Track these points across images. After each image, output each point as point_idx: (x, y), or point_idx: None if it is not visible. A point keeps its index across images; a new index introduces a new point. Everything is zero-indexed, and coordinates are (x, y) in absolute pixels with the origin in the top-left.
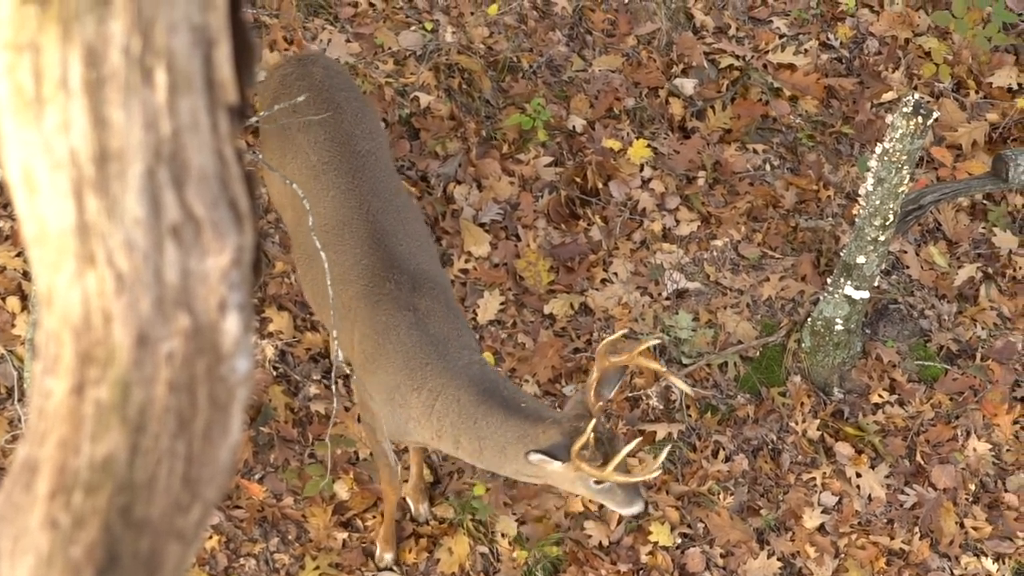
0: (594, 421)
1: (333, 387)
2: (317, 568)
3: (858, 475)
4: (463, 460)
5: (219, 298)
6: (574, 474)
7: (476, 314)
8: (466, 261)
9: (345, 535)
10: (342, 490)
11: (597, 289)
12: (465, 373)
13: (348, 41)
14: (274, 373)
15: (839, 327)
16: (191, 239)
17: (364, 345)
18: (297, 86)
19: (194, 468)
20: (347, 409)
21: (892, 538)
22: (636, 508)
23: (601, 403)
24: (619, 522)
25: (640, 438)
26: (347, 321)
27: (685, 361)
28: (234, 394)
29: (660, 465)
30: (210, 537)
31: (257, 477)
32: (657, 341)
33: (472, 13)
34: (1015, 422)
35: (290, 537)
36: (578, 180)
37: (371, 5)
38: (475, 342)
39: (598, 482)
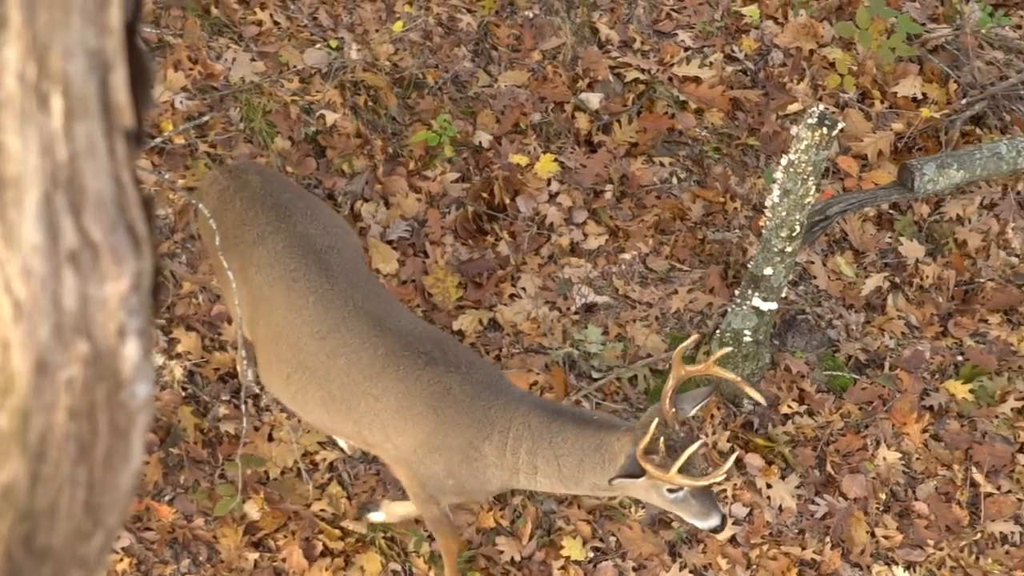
0: (656, 421)
1: (243, 407)
2: None
3: (769, 486)
4: (543, 491)
5: (118, 324)
6: (648, 483)
7: None
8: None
9: (256, 555)
10: (253, 510)
11: (506, 304)
12: (525, 401)
13: (253, 60)
14: (183, 394)
15: (748, 338)
16: (89, 265)
17: (422, 425)
18: (238, 198)
19: (95, 495)
20: (256, 429)
21: (803, 548)
22: (714, 521)
23: (675, 411)
24: (531, 537)
25: (704, 440)
26: (388, 416)
27: (595, 375)
28: (135, 420)
29: (728, 470)
30: (121, 560)
31: (167, 498)
32: (729, 349)
33: (377, 30)
34: (924, 431)
35: (201, 558)
36: (485, 196)
37: (275, 23)
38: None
39: (671, 491)
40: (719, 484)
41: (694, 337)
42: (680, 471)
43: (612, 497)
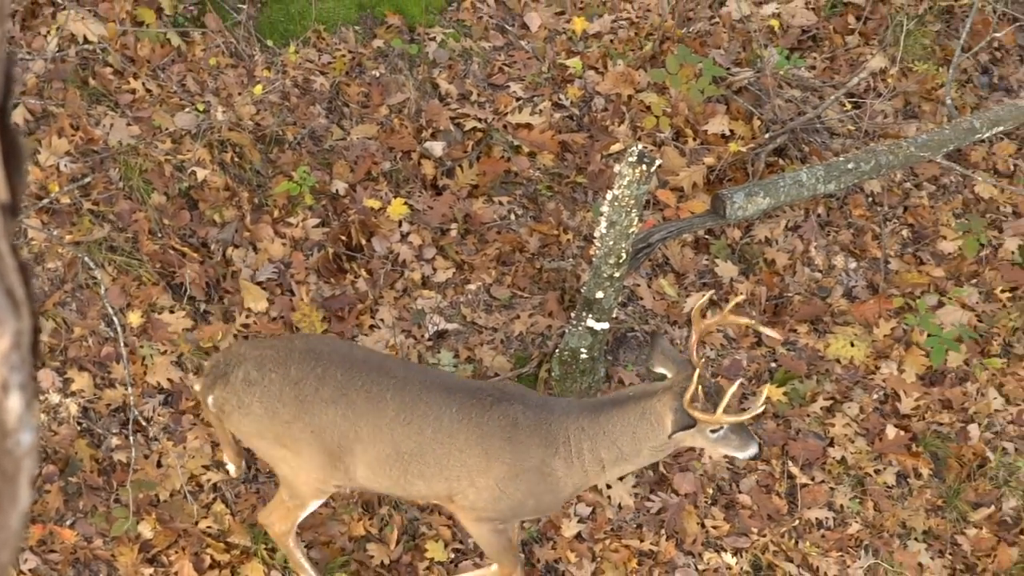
0: (698, 372)
1: (131, 438)
2: None
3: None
4: (612, 480)
5: (1, 379)
6: (697, 429)
7: None
8: (247, 317)
9: (151, 570)
10: (146, 530)
11: (366, 334)
12: (572, 408)
13: (129, 124)
14: (78, 428)
15: (584, 355)
16: None
17: (502, 457)
18: (265, 384)
19: None
20: (146, 457)
21: (642, 540)
22: (753, 450)
23: (703, 361)
24: (398, 542)
25: (742, 381)
26: (473, 461)
27: None
28: (20, 465)
29: (762, 403)
30: None
31: (68, 523)
32: (743, 297)
33: (239, 93)
34: None
35: (101, 575)
36: (343, 238)
37: (148, 91)
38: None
39: (713, 432)
40: (760, 413)
41: (709, 294)
42: (725, 412)
43: (670, 454)
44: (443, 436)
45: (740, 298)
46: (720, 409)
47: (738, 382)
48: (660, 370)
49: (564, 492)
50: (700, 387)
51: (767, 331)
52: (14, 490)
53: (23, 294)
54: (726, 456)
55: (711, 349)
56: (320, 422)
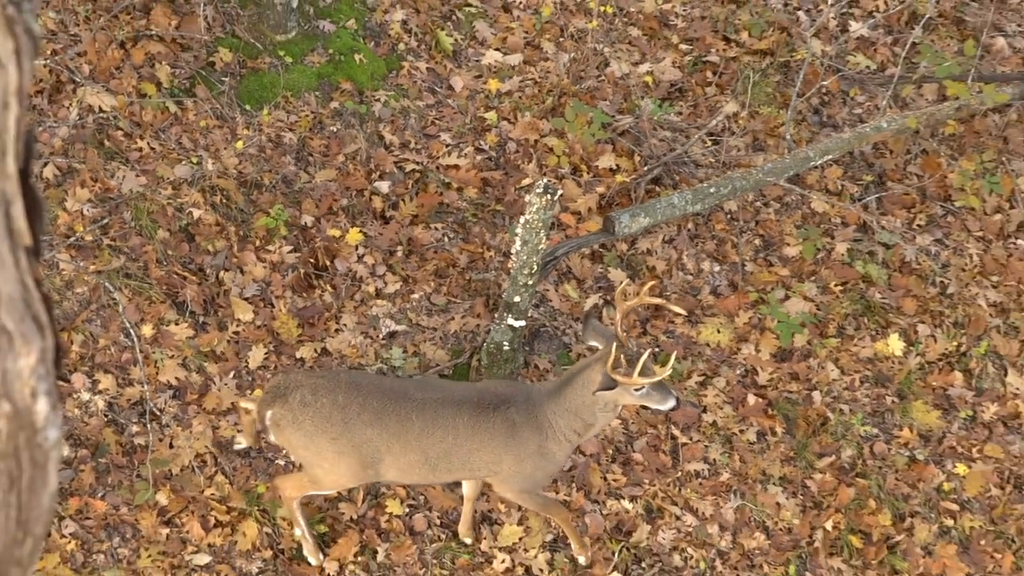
0: (615, 344)
1: (148, 425)
2: (149, 556)
3: None
4: (592, 438)
5: (31, 388)
6: (621, 389)
7: (248, 362)
8: (237, 326)
9: (167, 530)
10: (162, 498)
11: (332, 337)
12: (541, 394)
13: (137, 176)
14: (105, 419)
15: (506, 348)
16: (6, 346)
17: (509, 449)
18: (315, 407)
19: (24, 513)
20: (160, 440)
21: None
22: (671, 403)
23: (625, 334)
24: (363, 501)
25: (652, 350)
26: (489, 456)
27: None
28: (49, 456)
29: (671, 367)
30: (69, 542)
31: (100, 495)
32: (655, 283)
33: (225, 148)
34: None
35: (127, 536)
36: (312, 260)
37: (152, 148)
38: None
39: (637, 390)
40: (668, 375)
41: (650, 283)
42: (640, 374)
43: (618, 415)
44: (461, 441)
45: (653, 283)
46: (636, 372)
47: (648, 352)
48: (592, 343)
49: (560, 459)
50: (622, 356)
51: (674, 308)
52: (45, 476)
53: (47, 319)
54: (651, 409)
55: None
56: (360, 439)
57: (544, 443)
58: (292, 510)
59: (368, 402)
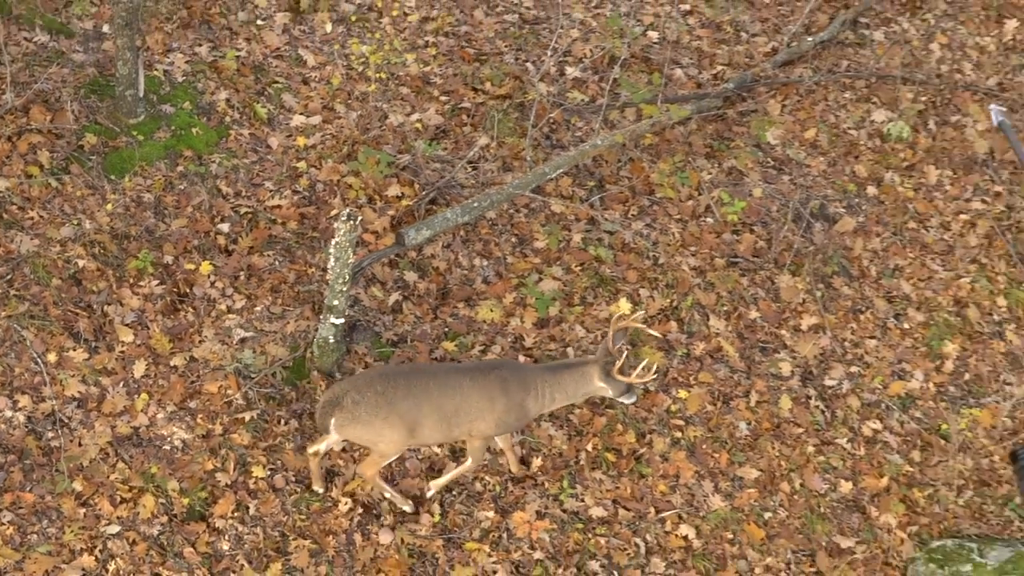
0: (625, 354)
1: (60, 431)
2: (72, 532)
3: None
4: (553, 409)
5: None
6: (606, 386)
7: (133, 373)
8: (121, 346)
9: (84, 511)
10: (78, 486)
11: (197, 346)
12: (534, 369)
13: (32, 239)
14: (26, 429)
15: (332, 341)
16: None
17: (500, 403)
18: (368, 397)
19: None
20: (71, 441)
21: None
22: (633, 398)
23: (617, 348)
24: (234, 468)
25: (627, 353)
26: (485, 412)
27: (252, 375)
28: None
29: (654, 375)
30: (7, 528)
31: (28, 489)
32: (642, 313)
33: (99, 210)
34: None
35: (53, 518)
36: (175, 290)
37: (41, 216)
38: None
39: (625, 387)
40: (652, 380)
41: (639, 313)
42: (629, 377)
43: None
44: (466, 397)
45: (640, 314)
46: (634, 375)
47: (645, 362)
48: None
49: (532, 415)
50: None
51: (650, 331)
52: None
53: None
54: (619, 401)
55: (409, 325)
56: (401, 410)
57: (526, 399)
58: (377, 483)
59: (399, 383)
